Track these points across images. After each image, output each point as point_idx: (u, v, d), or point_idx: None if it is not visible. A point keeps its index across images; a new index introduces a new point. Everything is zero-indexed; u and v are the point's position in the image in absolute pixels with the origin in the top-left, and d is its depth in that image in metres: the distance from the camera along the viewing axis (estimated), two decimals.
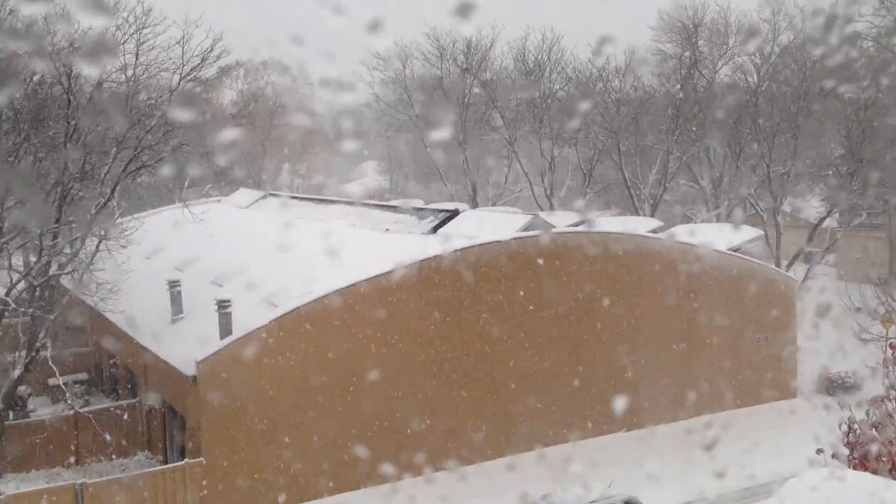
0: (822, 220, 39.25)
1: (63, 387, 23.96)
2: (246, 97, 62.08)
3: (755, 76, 47.01)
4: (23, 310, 22.87)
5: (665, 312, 26.14)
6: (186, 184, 53.20)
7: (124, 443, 23.81)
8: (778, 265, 35.29)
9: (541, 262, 24.29)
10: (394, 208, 32.86)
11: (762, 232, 37.54)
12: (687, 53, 47.93)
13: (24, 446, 23.03)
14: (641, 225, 36.70)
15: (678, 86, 46.98)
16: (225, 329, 21.67)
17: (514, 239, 25.06)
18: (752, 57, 48.29)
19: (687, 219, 48.26)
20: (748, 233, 34.27)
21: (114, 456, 23.57)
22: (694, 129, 44.81)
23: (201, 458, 20.48)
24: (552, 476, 21.05)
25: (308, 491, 21.08)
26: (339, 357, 21.58)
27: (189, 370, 20.72)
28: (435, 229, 27.97)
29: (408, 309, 22.60)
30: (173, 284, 25.42)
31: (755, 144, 40.52)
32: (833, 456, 16.00)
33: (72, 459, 23.54)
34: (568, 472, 21.15)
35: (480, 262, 23.47)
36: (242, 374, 20.79)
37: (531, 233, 26.48)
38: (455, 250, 23.42)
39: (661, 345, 25.97)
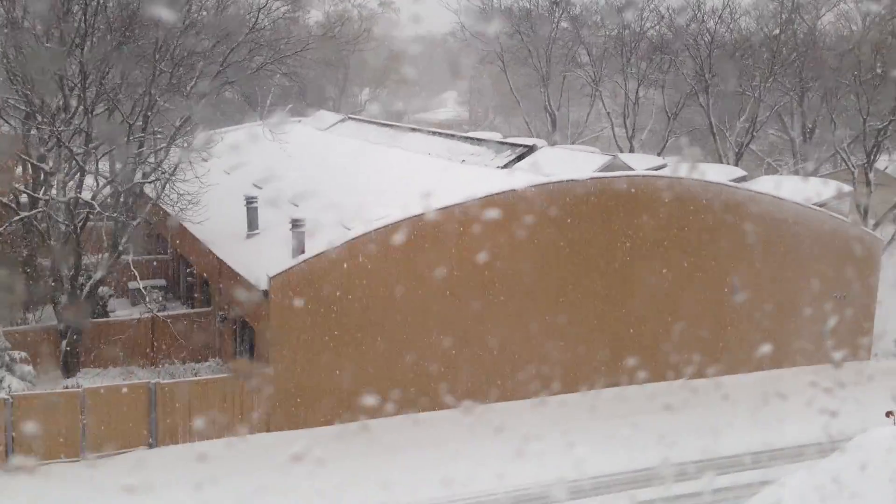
0: None
1: (142, 290, 24.95)
2: (332, 19, 61.94)
3: (860, 25, 44.56)
4: (107, 214, 23.72)
5: (742, 264, 25.51)
6: (268, 102, 53.84)
7: (197, 348, 24.74)
8: (865, 224, 33.92)
9: (617, 204, 23.90)
10: (471, 140, 32.61)
11: (851, 188, 36.02)
12: None
13: (103, 344, 24.19)
14: (724, 173, 35.62)
15: (777, 30, 44.86)
16: (298, 247, 22.09)
17: (591, 179, 24.63)
18: (859, 5, 45.68)
19: (773, 170, 46.61)
20: (836, 188, 32.93)
21: (186, 360, 24.56)
22: (789, 76, 42.89)
23: (269, 369, 21.19)
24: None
25: (367, 411, 21.59)
26: (404, 283, 21.81)
27: (262, 284, 21.27)
28: (510, 164, 27.70)
29: (476, 242, 22.59)
30: (250, 201, 25.93)
31: (852, 96, 38.58)
32: None
33: (147, 360, 24.61)
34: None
35: (554, 200, 23.20)
36: (312, 293, 21.24)
37: (609, 174, 25.96)
38: (529, 186, 23.16)
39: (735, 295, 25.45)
